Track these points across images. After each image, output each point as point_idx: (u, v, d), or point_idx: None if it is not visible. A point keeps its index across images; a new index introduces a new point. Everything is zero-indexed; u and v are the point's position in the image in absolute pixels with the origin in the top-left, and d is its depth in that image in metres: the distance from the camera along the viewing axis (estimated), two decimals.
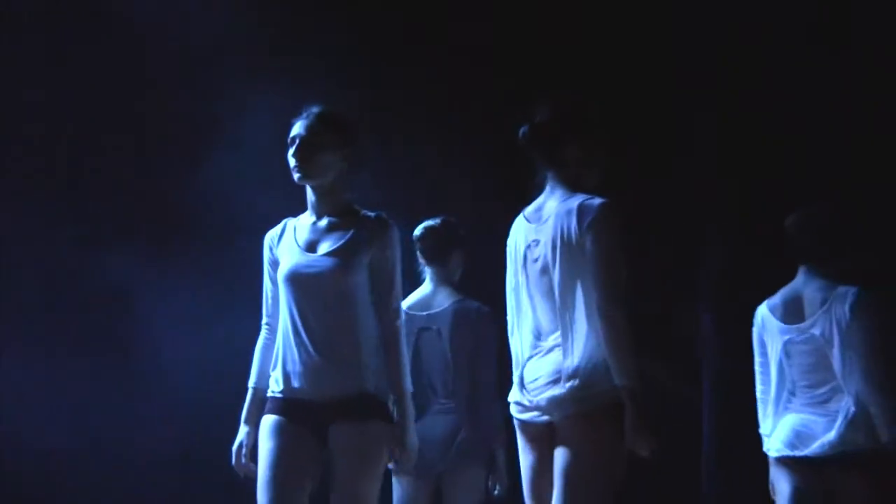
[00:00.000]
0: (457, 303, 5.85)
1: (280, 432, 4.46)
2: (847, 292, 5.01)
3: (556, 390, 4.19)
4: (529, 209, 4.54)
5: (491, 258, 5.09)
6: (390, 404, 4.49)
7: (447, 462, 5.64)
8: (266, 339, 4.70)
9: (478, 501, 5.80)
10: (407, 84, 8.42)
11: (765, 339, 5.32)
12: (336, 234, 4.57)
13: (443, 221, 6.02)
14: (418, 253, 5.97)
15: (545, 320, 4.36)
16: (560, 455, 4.23)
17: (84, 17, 8.09)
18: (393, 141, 7.92)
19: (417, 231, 5.98)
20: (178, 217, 6.90)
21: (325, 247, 4.56)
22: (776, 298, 5.30)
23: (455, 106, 8.23)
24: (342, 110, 4.73)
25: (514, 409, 4.46)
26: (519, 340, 4.50)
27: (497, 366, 5.61)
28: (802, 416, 5.11)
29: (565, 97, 4.59)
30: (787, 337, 5.16)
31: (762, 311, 5.34)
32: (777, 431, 5.19)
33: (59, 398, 7.68)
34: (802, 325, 5.11)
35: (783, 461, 5.16)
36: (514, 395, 4.45)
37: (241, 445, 4.59)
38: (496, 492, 5.85)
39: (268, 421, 4.50)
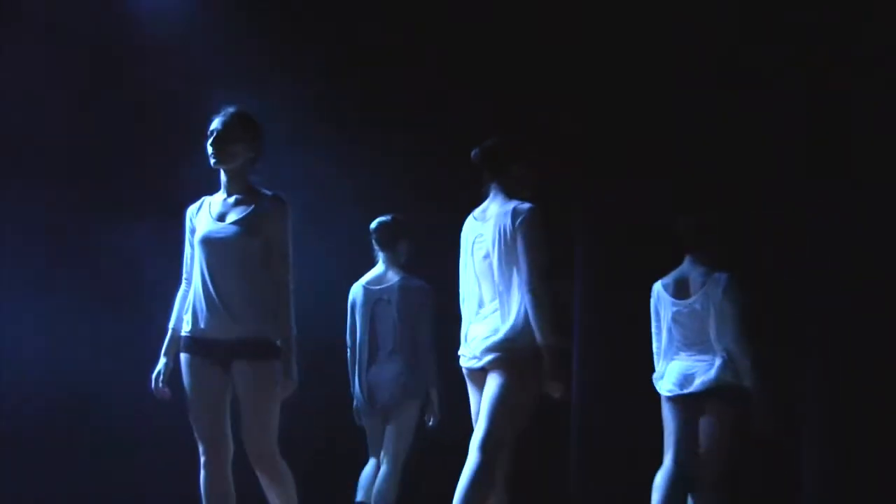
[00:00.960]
0: (403, 280, 7.60)
1: (192, 369, 5.70)
2: (720, 277, 6.87)
3: (490, 343, 5.71)
4: (477, 211, 6.05)
5: (432, 246, 7.45)
6: (279, 343, 5.64)
7: (393, 398, 7.44)
8: (184, 290, 5.86)
9: (413, 429, 7.54)
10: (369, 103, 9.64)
11: (659, 308, 7.18)
12: (241, 208, 5.71)
13: (392, 217, 7.72)
14: (373, 241, 7.72)
15: (486, 294, 5.85)
16: (487, 387, 5.75)
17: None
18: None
19: (372, 224, 7.70)
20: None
21: (231, 217, 5.69)
22: (668, 278, 7.14)
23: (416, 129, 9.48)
24: (251, 111, 5.85)
25: (461, 360, 6.00)
26: (466, 309, 6.00)
27: (433, 328, 7.55)
28: (686, 363, 6.94)
29: (509, 134, 6.17)
30: (675, 308, 7.03)
31: (657, 287, 7.20)
32: (667, 376, 7.01)
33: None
34: (687, 300, 6.97)
35: (673, 399, 6.96)
36: (461, 349, 5.99)
37: (158, 374, 5.80)
38: (430, 423, 7.71)
39: (183, 359, 5.73)
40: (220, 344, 5.62)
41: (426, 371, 7.55)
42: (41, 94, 8.69)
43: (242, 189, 5.78)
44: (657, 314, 7.18)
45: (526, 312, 5.62)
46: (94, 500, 8.55)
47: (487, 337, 5.75)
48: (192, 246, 5.81)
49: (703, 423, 6.87)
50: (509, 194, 5.91)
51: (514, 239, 5.68)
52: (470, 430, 5.90)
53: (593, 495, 8.48)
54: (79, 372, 8.53)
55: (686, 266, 7.13)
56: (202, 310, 5.65)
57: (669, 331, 7.09)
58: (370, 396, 7.52)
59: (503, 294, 5.73)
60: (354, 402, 7.68)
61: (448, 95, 9.51)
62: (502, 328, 5.69)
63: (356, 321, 7.66)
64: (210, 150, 5.68)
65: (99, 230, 8.81)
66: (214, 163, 5.72)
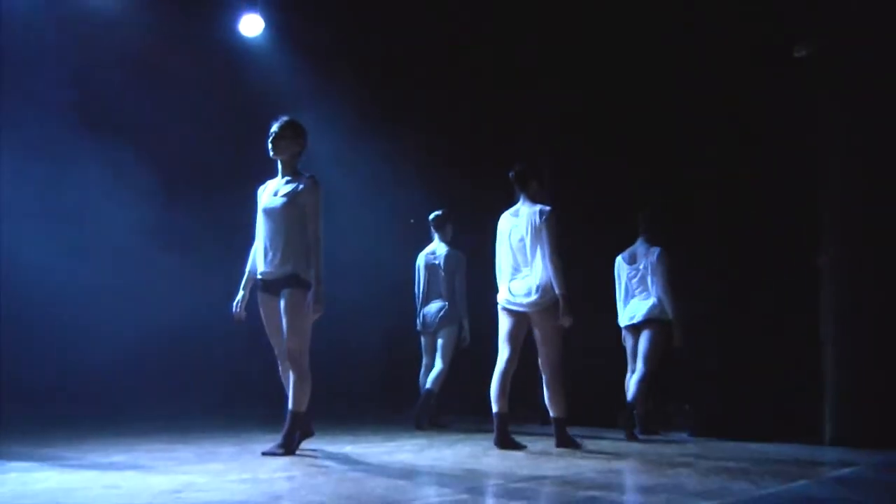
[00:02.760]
0: (448, 251, 11.11)
1: (263, 303, 7.52)
2: (655, 250, 10.06)
3: (531, 297, 8.36)
4: (511, 210, 8.69)
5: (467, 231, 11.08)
6: (311, 279, 7.32)
7: (440, 323, 10.91)
8: (255, 246, 7.66)
9: (454, 342, 10.90)
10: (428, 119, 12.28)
11: (619, 272, 10.51)
12: (289, 187, 7.50)
13: (442, 211, 11.21)
14: (431, 226, 11.21)
15: (521, 263, 8.52)
16: (537, 327, 8.47)
17: None
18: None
19: (430, 216, 11.20)
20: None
21: (282, 192, 7.50)
22: (626, 252, 10.42)
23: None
24: (298, 119, 7.62)
25: (503, 302, 8.56)
26: (503, 273, 8.63)
27: (464, 281, 10.97)
28: (635, 304, 10.27)
29: (531, 160, 8.87)
30: (629, 271, 10.38)
31: (619, 259, 10.51)
32: (625, 314, 10.38)
33: None
34: (635, 265, 10.31)
35: (627, 328, 10.40)
36: (504, 295, 8.55)
37: (236, 303, 7.66)
38: (464, 344, 11.04)
39: (259, 296, 7.53)
40: (274, 280, 7.41)
41: (460, 308, 10.94)
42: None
43: (291, 173, 7.58)
44: (619, 276, 10.45)
45: (548, 275, 8.26)
46: None
47: (527, 295, 8.38)
48: (258, 214, 7.57)
49: (642, 339, 10.12)
50: (533, 200, 8.58)
51: (540, 229, 8.39)
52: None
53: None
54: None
55: (638, 243, 10.32)
56: (262, 258, 7.48)
57: (626, 286, 10.41)
58: (426, 322, 11.03)
59: (533, 263, 8.41)
60: (418, 325, 11.15)
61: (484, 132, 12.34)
62: (534, 286, 8.35)
63: (420, 277, 11.19)
64: (269, 146, 7.51)
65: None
66: (272, 155, 7.55)
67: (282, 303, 7.34)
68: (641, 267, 10.17)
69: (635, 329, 10.27)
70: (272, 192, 7.56)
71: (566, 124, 11.47)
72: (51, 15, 10.63)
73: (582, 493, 5.70)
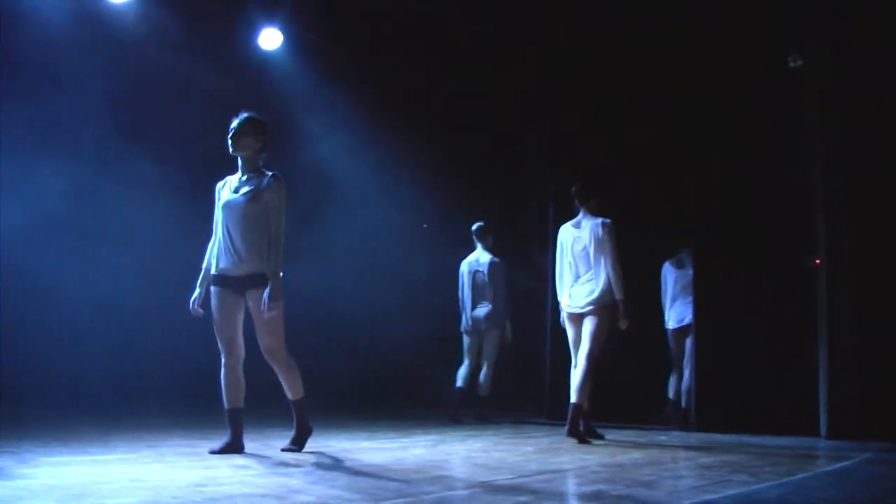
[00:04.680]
0: (489, 259, 11.46)
1: (216, 296, 7.06)
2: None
3: (590, 299, 8.77)
4: (572, 222, 9.13)
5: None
6: (268, 277, 6.90)
7: (485, 326, 11.29)
8: (212, 242, 7.21)
9: (498, 344, 11.34)
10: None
11: (666, 277, 10.92)
12: (250, 184, 7.08)
13: (484, 223, 11.57)
14: (473, 236, 11.53)
15: (582, 271, 8.94)
16: (588, 323, 8.78)
17: None
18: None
19: (473, 227, 11.52)
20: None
21: (243, 190, 7.07)
22: (672, 258, 10.70)
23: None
24: (258, 115, 7.21)
25: (566, 307, 8.99)
26: (564, 279, 9.08)
27: (507, 287, 11.42)
28: (682, 308, 10.55)
29: (589, 179, 9.19)
30: (676, 276, 10.78)
31: (666, 264, 10.94)
32: (672, 317, 10.63)
33: None
34: (683, 269, 10.55)
35: (675, 331, 10.73)
36: (566, 301, 8.99)
37: (193, 300, 7.16)
38: (507, 343, 11.46)
39: (212, 289, 7.09)
40: (234, 278, 7.01)
41: (503, 312, 11.39)
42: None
43: (253, 170, 7.17)
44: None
45: (609, 280, 8.71)
46: None
47: (587, 296, 8.81)
48: (217, 210, 7.17)
49: (689, 341, 10.36)
50: (593, 214, 9.00)
51: (602, 240, 8.82)
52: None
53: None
54: None
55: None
56: (222, 254, 7.08)
57: (673, 290, 10.84)
58: (474, 325, 11.36)
59: (595, 270, 8.83)
60: (462, 328, 11.50)
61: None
62: (596, 290, 8.77)
63: (464, 283, 11.55)
64: (229, 142, 7.10)
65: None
66: (232, 152, 7.14)
67: (251, 305, 6.99)
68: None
69: (682, 332, 10.67)
70: (232, 189, 7.16)
71: (587, 134, 11.37)
72: (82, 33, 10.66)
73: (588, 487, 5.70)
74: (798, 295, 9.69)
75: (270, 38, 12.00)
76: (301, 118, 12.65)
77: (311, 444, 7.50)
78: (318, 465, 6.34)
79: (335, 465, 6.42)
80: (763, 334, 9.84)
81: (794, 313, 9.73)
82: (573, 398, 8.70)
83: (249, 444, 7.07)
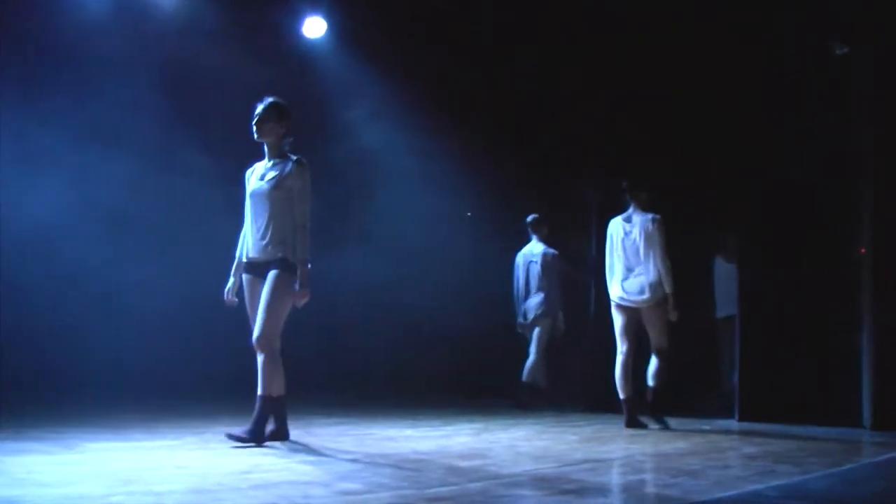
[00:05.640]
0: (543, 250, 11.59)
1: (248, 285, 6.99)
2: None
3: (644, 295, 9.00)
4: (623, 216, 9.31)
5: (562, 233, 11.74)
6: (298, 264, 6.78)
7: (537, 315, 11.40)
8: (243, 231, 7.11)
9: (549, 333, 11.42)
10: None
11: (718, 270, 11.14)
12: (275, 170, 6.98)
13: (538, 215, 11.70)
14: (528, 228, 11.68)
15: (633, 264, 9.11)
16: (647, 320, 9.09)
17: None
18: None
19: (528, 218, 11.65)
20: None
21: (268, 176, 6.98)
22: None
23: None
24: (282, 100, 7.08)
25: (617, 299, 9.17)
26: (616, 272, 9.21)
27: (559, 276, 11.50)
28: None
29: (640, 177, 9.40)
30: (728, 269, 10.45)
31: (718, 258, 11.12)
32: (723, 308, 10.58)
33: None
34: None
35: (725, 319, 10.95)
36: (617, 293, 9.16)
37: (227, 290, 7.11)
38: (559, 333, 11.53)
39: (243, 278, 7.04)
40: (261, 263, 6.90)
41: (555, 301, 11.51)
42: None
43: (278, 156, 7.07)
44: (717, 273, 10.91)
45: (659, 273, 8.95)
46: None
47: (641, 292, 9.03)
48: (245, 198, 7.09)
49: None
50: (643, 209, 9.21)
51: (652, 234, 9.04)
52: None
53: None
54: None
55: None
56: (249, 242, 7.01)
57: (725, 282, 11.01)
58: (525, 315, 11.52)
59: (646, 264, 9.04)
60: (518, 318, 11.62)
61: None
62: (646, 285, 9.00)
63: (518, 274, 11.68)
64: (253, 128, 7.02)
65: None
66: (257, 138, 7.06)
67: (266, 283, 6.81)
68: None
69: (729, 322, 10.91)
70: (259, 176, 7.07)
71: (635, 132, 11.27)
72: (126, 25, 10.68)
73: (634, 477, 5.68)
74: (843, 285, 9.55)
75: (314, 27, 12.00)
76: (346, 106, 12.65)
77: (356, 432, 7.52)
78: (363, 453, 6.32)
79: (379, 452, 6.40)
80: (807, 325, 9.71)
81: (839, 304, 9.59)
82: (651, 382, 9.09)
83: (292, 432, 7.06)
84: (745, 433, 8.72)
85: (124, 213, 11.04)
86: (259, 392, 6.75)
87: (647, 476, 5.64)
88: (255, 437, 6.59)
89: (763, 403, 9.71)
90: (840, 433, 8.66)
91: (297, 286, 6.74)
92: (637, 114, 10.90)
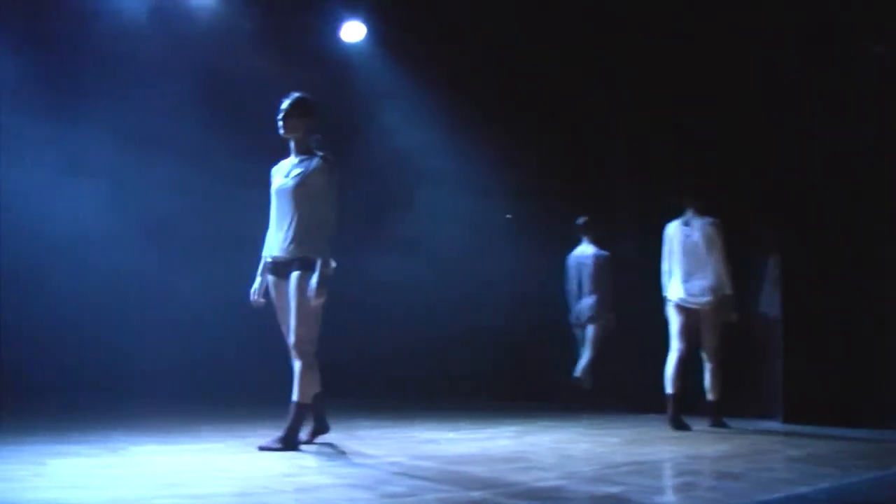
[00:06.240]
0: (594, 251, 11.58)
1: (274, 286, 6.88)
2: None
3: (705, 297, 9.20)
4: (681, 220, 9.47)
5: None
6: (318, 263, 6.53)
7: (589, 316, 11.45)
8: (269, 228, 6.94)
9: (600, 337, 11.41)
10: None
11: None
12: (300, 166, 6.85)
13: (588, 217, 11.65)
14: (579, 230, 11.63)
15: (693, 266, 9.29)
16: (705, 321, 9.26)
17: None
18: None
19: (577, 221, 11.62)
20: None
21: (293, 173, 6.84)
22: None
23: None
24: (308, 95, 6.97)
25: (677, 300, 9.31)
26: (675, 274, 9.39)
27: (610, 278, 11.48)
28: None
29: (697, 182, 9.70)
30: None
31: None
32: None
33: None
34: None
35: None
36: (678, 294, 9.31)
37: (254, 290, 6.97)
38: (610, 333, 11.45)
39: (269, 278, 6.93)
40: (284, 262, 6.78)
41: (606, 303, 11.46)
42: None
43: (303, 152, 6.94)
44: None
45: (719, 275, 9.18)
46: None
47: (701, 293, 9.22)
48: (271, 195, 6.94)
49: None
50: (700, 213, 9.38)
51: (712, 237, 9.24)
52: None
53: None
54: None
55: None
56: (274, 241, 6.88)
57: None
58: (578, 316, 11.57)
59: (706, 267, 9.23)
60: (571, 319, 11.67)
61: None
62: (707, 286, 9.20)
63: (570, 276, 11.69)
64: (279, 124, 6.91)
65: None
66: (282, 134, 6.95)
67: (290, 288, 6.69)
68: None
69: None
70: (284, 173, 6.93)
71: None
72: (165, 29, 10.77)
73: (676, 479, 5.65)
74: (887, 286, 9.50)
75: (353, 31, 12.04)
76: (385, 109, 12.66)
77: (398, 435, 7.54)
78: (405, 456, 6.32)
79: (422, 455, 6.40)
80: (851, 326, 9.67)
81: (884, 305, 9.54)
82: (711, 395, 9.35)
83: (334, 435, 7.09)
84: (788, 435, 8.67)
85: (165, 217, 11.09)
86: (293, 398, 6.64)
87: (690, 479, 5.61)
88: (289, 445, 6.49)
89: (807, 405, 9.64)
90: (885, 435, 8.58)
91: (313, 284, 6.51)
92: (679, 115, 10.86)
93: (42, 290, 10.38)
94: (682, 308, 9.34)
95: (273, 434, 6.59)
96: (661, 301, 9.60)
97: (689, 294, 9.30)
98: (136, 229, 10.70)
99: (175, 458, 6.01)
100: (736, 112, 10.32)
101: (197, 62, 11.13)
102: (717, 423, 9.23)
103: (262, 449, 6.41)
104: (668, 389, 9.16)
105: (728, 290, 9.18)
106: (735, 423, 9.32)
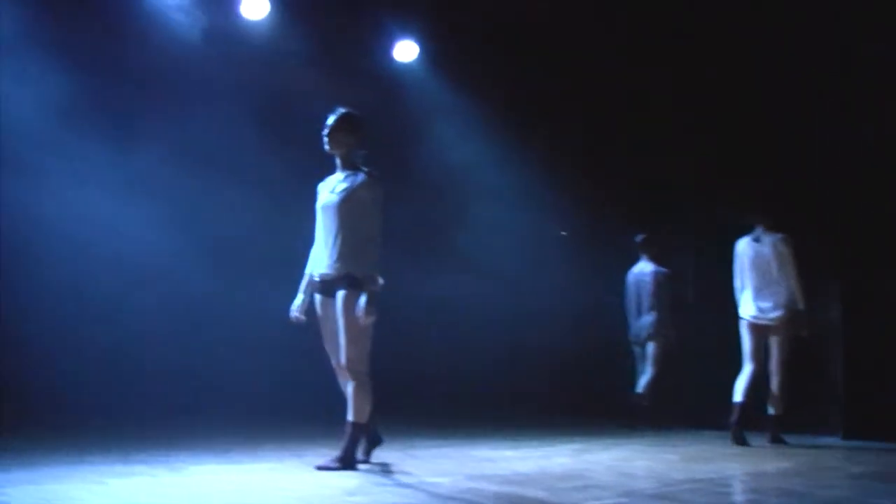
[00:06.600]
0: (653, 268, 11.40)
1: (320, 304, 6.80)
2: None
3: (777, 312, 9.17)
4: (750, 237, 9.48)
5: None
6: (363, 281, 6.46)
7: (649, 333, 11.26)
8: (314, 244, 6.90)
9: (662, 354, 11.17)
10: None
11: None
12: (346, 182, 6.76)
13: (647, 234, 11.55)
14: (638, 247, 11.56)
15: (764, 283, 9.30)
16: (775, 337, 9.25)
17: None
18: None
19: (636, 238, 11.56)
20: None
21: (338, 189, 6.75)
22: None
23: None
24: (354, 110, 6.91)
25: (749, 317, 9.31)
26: (747, 291, 9.41)
27: (670, 296, 11.31)
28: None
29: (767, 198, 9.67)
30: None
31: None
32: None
33: None
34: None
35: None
36: (750, 311, 9.32)
37: (296, 307, 6.93)
38: (672, 349, 11.21)
39: (316, 297, 6.84)
40: (330, 280, 6.69)
41: (667, 320, 11.26)
42: None
43: (349, 168, 6.85)
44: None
45: (791, 291, 9.15)
46: None
47: (774, 309, 9.22)
48: (317, 212, 6.89)
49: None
50: (771, 229, 9.39)
51: (784, 254, 9.24)
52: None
53: None
54: None
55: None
56: (319, 257, 6.83)
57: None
58: (637, 334, 11.43)
59: (779, 282, 9.24)
60: (630, 335, 11.51)
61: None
62: (780, 301, 9.20)
63: (629, 293, 11.56)
64: (325, 139, 6.85)
65: None
66: (328, 150, 6.88)
67: (338, 307, 6.60)
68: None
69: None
70: (329, 189, 6.85)
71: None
72: (218, 50, 10.86)
73: (737, 497, 5.61)
74: None
75: (406, 50, 12.09)
76: (439, 128, 12.67)
77: (455, 454, 7.54)
78: (464, 474, 6.32)
79: (479, 474, 6.39)
80: None
81: None
82: (773, 409, 9.28)
83: (392, 454, 7.10)
84: (849, 451, 8.58)
85: (225, 235, 11.15)
86: (349, 418, 6.62)
87: (750, 496, 5.58)
88: (347, 465, 6.49)
89: (868, 420, 9.53)
90: None
91: (361, 303, 6.43)
92: (740, 130, 10.78)
93: (106, 311, 10.48)
94: (754, 326, 9.34)
95: (330, 453, 6.61)
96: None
97: (759, 310, 9.32)
98: (197, 248, 10.75)
99: (234, 476, 6.05)
100: (799, 128, 10.25)
101: (252, 82, 11.22)
102: (776, 439, 9.15)
103: (319, 468, 6.42)
104: (737, 398, 9.16)
105: (800, 306, 9.14)
106: (793, 439, 9.21)
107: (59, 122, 9.85)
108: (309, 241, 7.05)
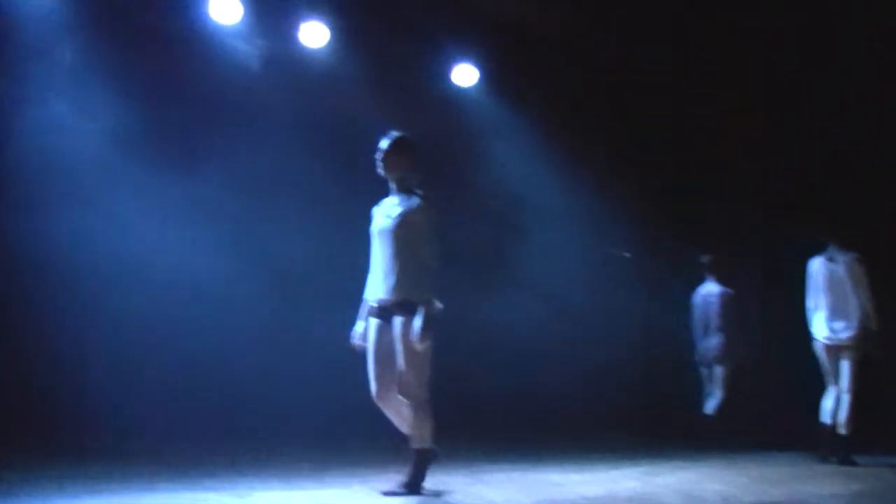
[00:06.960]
0: (722, 290, 11.41)
1: (372, 328, 6.72)
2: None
3: (850, 332, 9.19)
4: (824, 256, 9.45)
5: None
6: (420, 306, 6.38)
7: (716, 355, 11.28)
8: (370, 270, 6.83)
9: (729, 374, 11.20)
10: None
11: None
12: (401, 206, 6.70)
13: (715, 255, 11.50)
14: (705, 268, 11.56)
15: (839, 302, 9.28)
16: (847, 358, 9.25)
17: None
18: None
19: (702, 259, 11.55)
20: None
21: (392, 213, 6.69)
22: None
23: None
24: (409, 135, 6.88)
25: (823, 339, 9.33)
26: (821, 312, 9.38)
27: (735, 315, 11.31)
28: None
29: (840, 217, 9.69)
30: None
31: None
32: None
33: None
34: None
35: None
36: (823, 332, 9.33)
37: (356, 333, 6.86)
38: (742, 371, 11.22)
39: (370, 320, 6.77)
40: (387, 306, 6.62)
41: (734, 341, 11.24)
42: None
43: (403, 191, 6.80)
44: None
45: (864, 311, 9.13)
46: None
47: (847, 329, 9.22)
48: (372, 237, 6.83)
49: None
50: (844, 249, 9.34)
51: (857, 274, 9.22)
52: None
53: None
54: None
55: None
56: (375, 283, 6.76)
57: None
58: (704, 355, 11.44)
59: (852, 302, 9.21)
60: (696, 357, 11.54)
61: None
62: (853, 322, 9.18)
63: (696, 314, 11.56)
64: (378, 164, 6.80)
65: None
66: (382, 174, 6.83)
67: (395, 332, 6.54)
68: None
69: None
70: (384, 214, 6.80)
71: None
72: (277, 77, 10.95)
73: None
74: None
75: (466, 74, 12.08)
76: (498, 151, 12.65)
77: (522, 478, 7.49)
78: (530, 500, 6.29)
79: (547, 499, 6.37)
80: None
81: None
82: (842, 430, 9.25)
83: (458, 479, 7.05)
84: None
85: (288, 262, 11.17)
86: (413, 445, 6.59)
87: None
88: (413, 490, 6.50)
89: None
90: None
91: (417, 328, 6.39)
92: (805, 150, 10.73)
93: (173, 337, 10.54)
94: (828, 347, 9.36)
95: (395, 478, 6.58)
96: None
97: (832, 331, 9.32)
98: (260, 274, 10.80)
99: (299, 502, 6.05)
100: (871, 148, 10.22)
101: (312, 108, 11.27)
102: (847, 460, 9.01)
103: (386, 494, 6.41)
104: (824, 419, 9.31)
105: (873, 326, 9.09)
106: (863, 459, 9.06)
107: (122, 151, 9.95)
108: (368, 267, 7.03)
